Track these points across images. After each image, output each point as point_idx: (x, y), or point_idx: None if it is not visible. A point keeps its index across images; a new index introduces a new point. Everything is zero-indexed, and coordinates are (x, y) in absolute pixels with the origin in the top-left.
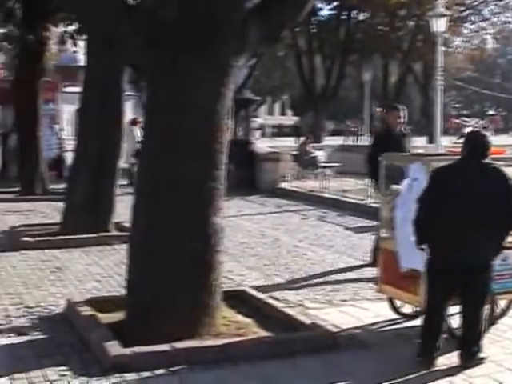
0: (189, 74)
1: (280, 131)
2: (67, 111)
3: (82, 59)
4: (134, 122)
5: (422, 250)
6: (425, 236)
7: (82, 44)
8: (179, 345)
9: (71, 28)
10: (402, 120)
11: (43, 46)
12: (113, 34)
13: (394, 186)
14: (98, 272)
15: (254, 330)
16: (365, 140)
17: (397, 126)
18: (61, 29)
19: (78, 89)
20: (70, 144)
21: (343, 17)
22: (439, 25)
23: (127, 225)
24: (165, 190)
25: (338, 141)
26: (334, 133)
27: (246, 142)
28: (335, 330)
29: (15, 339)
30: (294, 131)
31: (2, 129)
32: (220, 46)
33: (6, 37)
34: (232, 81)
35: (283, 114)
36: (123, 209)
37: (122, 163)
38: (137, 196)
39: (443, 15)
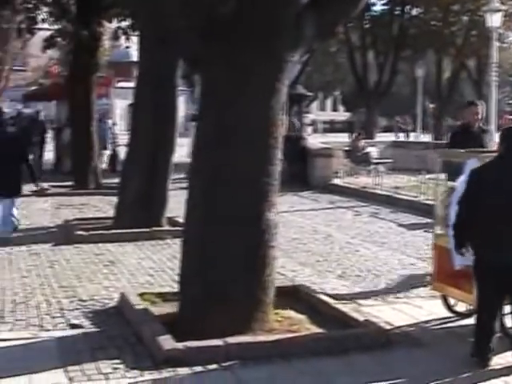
0: (244, 69)
1: (332, 127)
2: (120, 106)
3: (134, 55)
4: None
5: (462, 254)
6: (464, 239)
7: (134, 39)
8: (232, 340)
9: (124, 24)
10: (479, 116)
11: (97, 42)
12: (168, 29)
13: (450, 183)
14: (151, 266)
15: (307, 327)
16: (417, 136)
17: (475, 123)
18: (114, 24)
19: (130, 84)
20: (123, 139)
21: (396, 12)
22: (494, 20)
23: (180, 220)
24: (219, 184)
25: (389, 137)
26: (386, 129)
27: (298, 137)
28: (388, 327)
29: (69, 332)
30: (347, 127)
31: (56, 123)
32: (275, 40)
33: (60, 32)
34: (287, 76)
35: (335, 109)
36: (176, 204)
37: (184, 157)
38: (190, 191)
39: (498, 10)
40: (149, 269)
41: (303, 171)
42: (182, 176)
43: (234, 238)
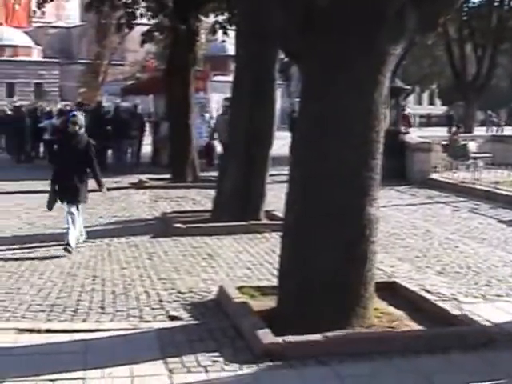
0: (343, 62)
1: (428, 121)
2: (215, 100)
3: (230, 49)
4: None
5: None
6: None
7: (231, 33)
8: (331, 335)
9: (222, 18)
10: None
11: (194, 36)
12: (265, 23)
13: None
14: (249, 259)
15: (407, 323)
16: None
17: None
18: (211, 19)
19: (226, 78)
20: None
21: (495, 3)
22: None
23: (278, 213)
24: (320, 178)
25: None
26: (483, 123)
27: (396, 131)
28: (490, 325)
29: (168, 324)
30: (445, 121)
31: (154, 117)
32: (375, 33)
33: (157, 27)
34: (389, 69)
35: (431, 103)
36: (274, 197)
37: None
38: (290, 184)
39: None
40: (247, 262)
41: (401, 165)
42: (280, 170)
43: (334, 232)
